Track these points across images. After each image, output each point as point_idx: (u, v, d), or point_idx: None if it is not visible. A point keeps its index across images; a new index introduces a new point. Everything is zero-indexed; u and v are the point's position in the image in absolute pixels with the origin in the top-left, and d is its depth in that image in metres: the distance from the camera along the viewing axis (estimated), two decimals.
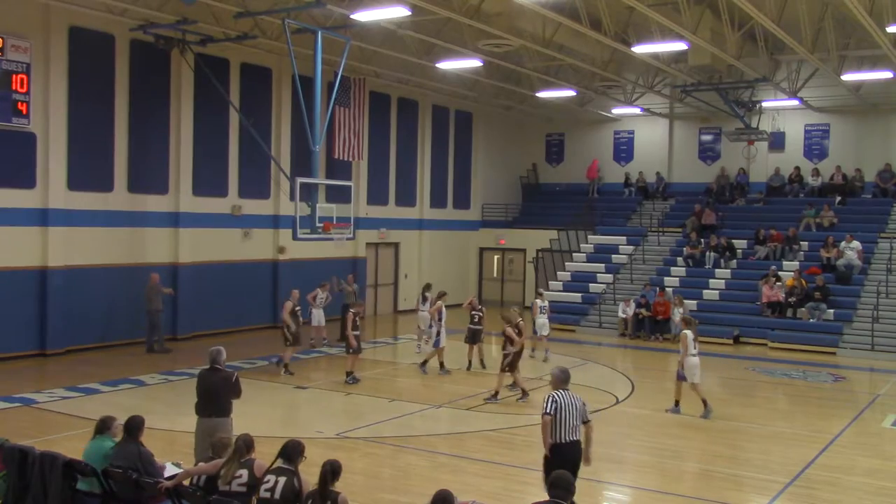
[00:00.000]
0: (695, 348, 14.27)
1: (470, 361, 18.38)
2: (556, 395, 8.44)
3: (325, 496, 6.57)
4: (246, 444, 7.33)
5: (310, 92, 19.30)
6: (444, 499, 6.05)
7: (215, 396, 9.38)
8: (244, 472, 7.13)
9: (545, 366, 19.42)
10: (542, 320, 19.98)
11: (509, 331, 15.05)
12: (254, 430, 8.59)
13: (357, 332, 16.52)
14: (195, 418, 9.78)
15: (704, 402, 14.34)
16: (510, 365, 15.02)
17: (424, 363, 18.03)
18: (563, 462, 8.13)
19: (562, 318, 25.54)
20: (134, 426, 7.99)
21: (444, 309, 18.33)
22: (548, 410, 8.34)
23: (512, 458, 11.70)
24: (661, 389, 17.25)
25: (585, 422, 8.48)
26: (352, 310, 16.94)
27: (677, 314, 23.37)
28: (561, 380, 8.66)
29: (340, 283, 21.75)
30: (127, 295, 19.93)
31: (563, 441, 8.35)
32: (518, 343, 15.10)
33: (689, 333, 14.27)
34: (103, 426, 8.06)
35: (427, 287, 20.92)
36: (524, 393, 15.14)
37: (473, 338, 18.10)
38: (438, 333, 17.97)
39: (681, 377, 14.45)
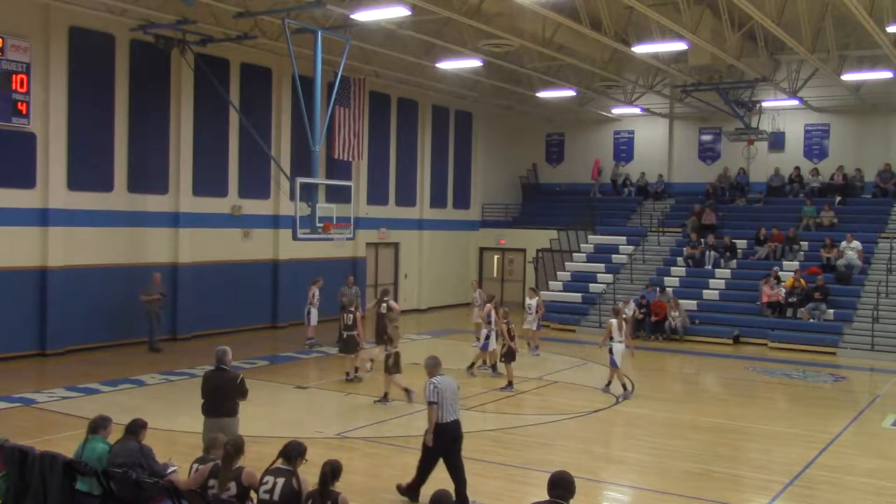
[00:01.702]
0: (620, 335, 15.81)
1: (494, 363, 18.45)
2: (436, 382, 9.21)
3: (325, 496, 6.56)
4: (235, 449, 7.14)
5: (310, 92, 19.31)
6: (441, 499, 6.04)
7: (222, 397, 9.37)
8: (232, 485, 7.00)
9: (548, 364, 19.45)
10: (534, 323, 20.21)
11: (392, 329, 14.92)
12: (254, 431, 8.62)
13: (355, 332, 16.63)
14: (195, 418, 9.80)
15: (625, 385, 15.77)
16: (394, 365, 14.59)
17: (472, 366, 17.79)
18: (446, 439, 9.19)
19: (562, 318, 25.57)
20: (136, 427, 7.99)
21: (493, 312, 18.15)
22: (432, 399, 9.13)
23: (512, 458, 11.70)
24: (661, 389, 17.29)
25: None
26: (351, 309, 16.95)
27: (674, 317, 23.40)
28: (435, 366, 9.54)
29: (348, 279, 21.74)
30: (127, 295, 19.91)
31: (446, 421, 9.18)
32: (397, 342, 14.82)
33: (613, 322, 15.91)
34: (96, 426, 8.00)
35: (477, 286, 21.10)
36: (408, 392, 14.53)
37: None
38: (487, 337, 17.66)
39: (612, 363, 15.84)
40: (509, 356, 16.48)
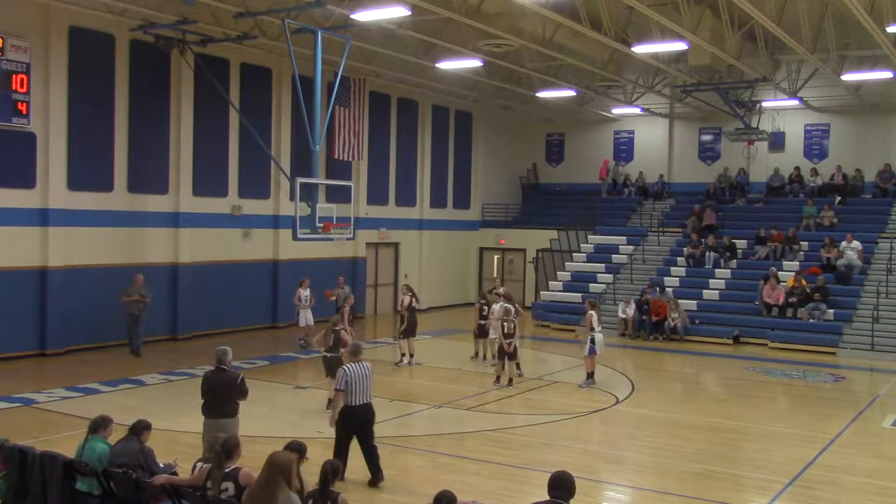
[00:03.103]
0: (600, 326, 16.91)
1: (476, 353, 19.35)
2: (347, 369, 9.86)
3: (325, 496, 6.56)
4: (226, 452, 7.05)
5: (310, 92, 19.31)
6: (443, 500, 6.03)
7: (222, 397, 9.38)
8: (230, 486, 6.95)
9: (548, 364, 19.45)
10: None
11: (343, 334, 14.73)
12: (254, 431, 8.60)
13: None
14: (196, 418, 9.80)
15: (591, 374, 16.79)
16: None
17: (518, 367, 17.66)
18: (354, 421, 9.93)
19: (562, 318, 25.56)
20: (139, 428, 8.00)
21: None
22: (340, 386, 9.81)
23: (512, 458, 11.71)
24: (661, 389, 17.31)
25: None
26: (344, 307, 17.07)
27: (674, 317, 23.37)
28: (353, 353, 10.27)
29: (338, 279, 21.73)
30: None
31: (356, 404, 9.88)
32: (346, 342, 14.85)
33: (593, 314, 16.69)
34: (96, 426, 8.00)
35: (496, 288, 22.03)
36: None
37: (481, 332, 19.02)
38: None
39: (592, 352, 16.62)
40: (502, 354, 16.49)
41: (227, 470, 6.99)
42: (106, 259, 19.95)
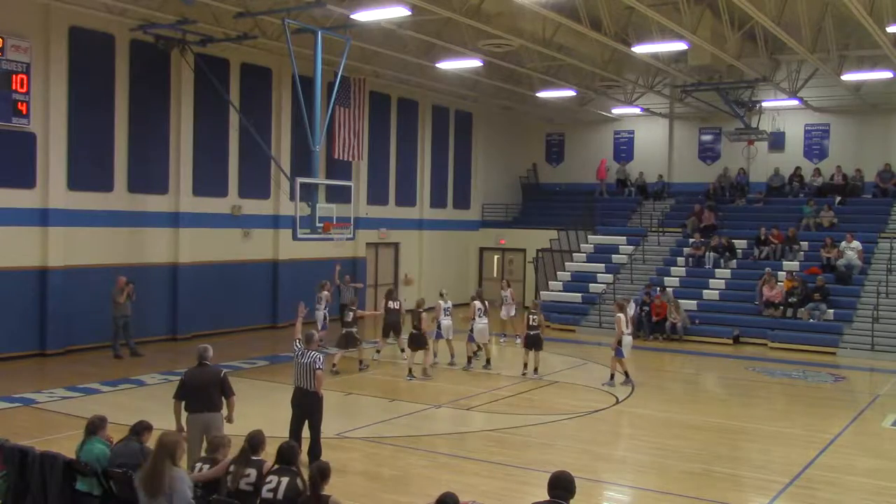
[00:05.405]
0: (628, 328, 16.89)
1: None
2: (298, 349, 11.09)
3: (316, 500, 6.53)
4: (252, 447, 7.31)
5: (310, 92, 19.31)
6: (446, 501, 6.03)
7: (206, 392, 9.53)
8: (253, 472, 7.12)
9: (548, 364, 19.43)
10: (448, 322, 18.85)
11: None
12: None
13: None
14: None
15: (626, 373, 16.90)
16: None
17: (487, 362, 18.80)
18: (294, 399, 10.98)
19: (562, 318, 25.56)
20: (140, 428, 8.03)
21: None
22: (296, 337, 11.46)
23: (512, 458, 11.70)
24: (662, 389, 17.31)
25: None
26: (352, 307, 17.86)
27: (675, 318, 23.39)
28: (306, 340, 11.22)
29: (345, 277, 21.80)
30: None
31: (293, 384, 11.05)
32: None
33: (622, 316, 16.73)
34: (94, 427, 8.01)
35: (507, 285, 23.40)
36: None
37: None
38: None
39: (619, 354, 16.70)
40: (526, 344, 17.51)
41: (254, 458, 7.27)
42: (106, 259, 19.94)
